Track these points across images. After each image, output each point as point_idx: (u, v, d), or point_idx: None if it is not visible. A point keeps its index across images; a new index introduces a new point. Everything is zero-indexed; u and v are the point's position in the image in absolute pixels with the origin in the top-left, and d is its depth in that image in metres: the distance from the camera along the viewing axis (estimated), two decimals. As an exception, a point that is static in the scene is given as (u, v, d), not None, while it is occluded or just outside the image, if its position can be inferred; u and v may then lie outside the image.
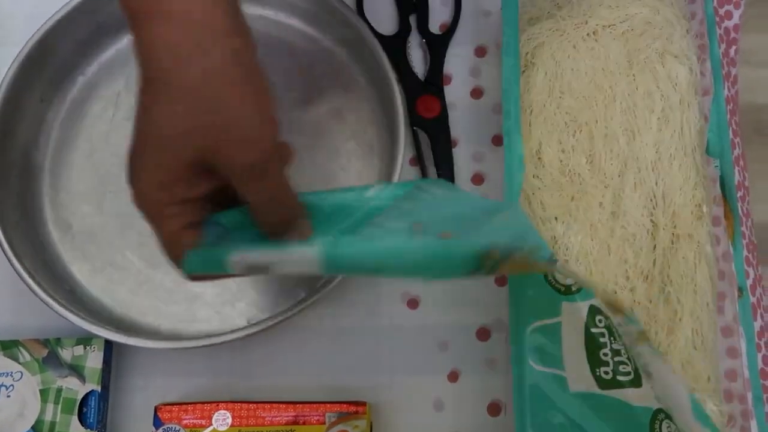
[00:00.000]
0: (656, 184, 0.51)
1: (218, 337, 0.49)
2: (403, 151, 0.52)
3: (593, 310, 0.45)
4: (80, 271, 0.54)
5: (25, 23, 0.55)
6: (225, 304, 0.53)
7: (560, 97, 0.53)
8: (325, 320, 0.54)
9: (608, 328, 0.45)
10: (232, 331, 0.49)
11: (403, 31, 0.60)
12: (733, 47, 0.64)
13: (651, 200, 0.50)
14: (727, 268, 0.49)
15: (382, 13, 0.60)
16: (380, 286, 0.55)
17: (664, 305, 0.49)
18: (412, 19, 0.60)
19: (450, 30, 0.60)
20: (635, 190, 0.50)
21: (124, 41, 0.59)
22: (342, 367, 0.53)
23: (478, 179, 0.57)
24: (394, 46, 0.59)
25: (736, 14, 0.63)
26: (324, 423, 0.49)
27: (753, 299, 0.56)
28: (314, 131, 0.57)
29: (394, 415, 0.52)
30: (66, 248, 0.55)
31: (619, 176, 0.51)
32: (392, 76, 0.53)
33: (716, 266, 0.50)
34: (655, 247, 0.50)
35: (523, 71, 0.54)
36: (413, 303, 0.54)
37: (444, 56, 0.59)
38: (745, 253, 0.51)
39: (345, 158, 0.56)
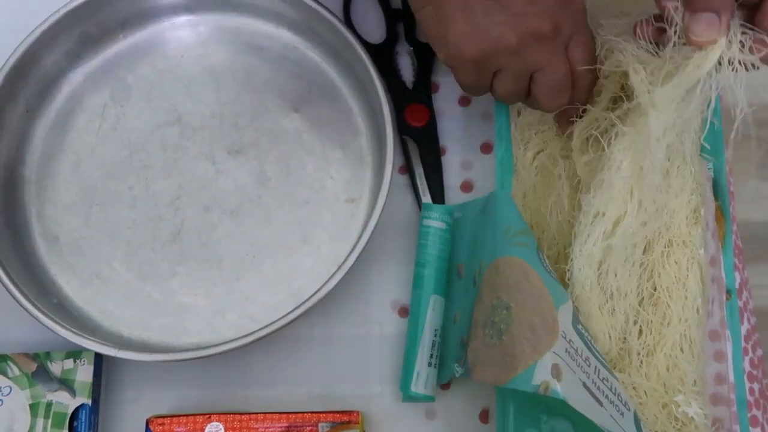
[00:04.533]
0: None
1: (209, 349, 0.48)
2: (392, 159, 0.52)
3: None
4: (68, 284, 0.54)
5: (9, 34, 0.54)
6: (215, 315, 0.53)
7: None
8: (316, 330, 0.54)
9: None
10: (223, 343, 0.48)
11: (391, 40, 0.60)
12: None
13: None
14: (716, 273, 0.50)
15: (370, 22, 0.60)
16: (370, 295, 0.55)
17: (654, 308, 0.49)
18: (400, 28, 0.60)
19: (437, 38, 0.60)
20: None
21: (109, 51, 0.58)
22: (334, 376, 0.53)
23: (467, 187, 0.57)
24: (382, 55, 0.59)
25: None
26: (317, 433, 0.49)
27: (740, 303, 0.57)
28: (302, 140, 0.57)
29: (387, 424, 0.52)
30: (53, 261, 0.54)
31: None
32: (380, 84, 0.53)
33: (708, 271, 0.50)
34: (645, 248, 0.50)
35: None
36: (404, 311, 0.54)
37: (432, 64, 0.59)
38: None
39: (334, 167, 0.56)
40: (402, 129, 0.57)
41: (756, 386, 0.55)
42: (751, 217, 1.17)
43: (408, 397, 0.51)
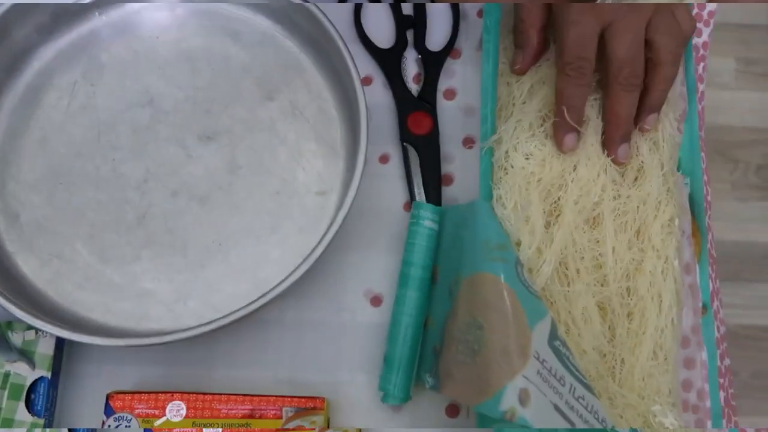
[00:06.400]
0: (628, 196, 0.50)
1: (167, 336, 0.47)
2: (365, 152, 0.51)
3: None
4: (26, 264, 0.52)
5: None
6: (177, 302, 0.52)
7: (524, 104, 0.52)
8: (287, 312, 0.53)
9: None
10: (181, 330, 0.47)
11: (400, 46, 0.60)
12: (702, 64, 0.65)
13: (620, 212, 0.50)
14: (688, 280, 0.49)
15: (380, 27, 0.60)
16: (344, 282, 0.54)
17: (628, 319, 0.48)
18: (410, 35, 0.60)
19: (447, 48, 0.59)
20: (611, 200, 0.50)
21: (83, 28, 0.57)
22: (302, 361, 0.52)
23: (447, 180, 0.57)
24: (389, 60, 0.59)
25: (705, 32, 0.64)
26: (281, 417, 0.48)
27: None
28: (276, 130, 0.56)
29: (353, 413, 0.51)
30: (11, 239, 0.53)
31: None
32: (356, 76, 0.52)
33: (681, 279, 0.49)
34: (616, 261, 0.49)
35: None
36: (376, 300, 0.54)
37: (439, 74, 0.59)
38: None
39: (306, 159, 0.55)
40: (404, 136, 0.57)
41: (722, 394, 0.54)
42: (725, 237, 1.18)
43: (387, 397, 0.50)
